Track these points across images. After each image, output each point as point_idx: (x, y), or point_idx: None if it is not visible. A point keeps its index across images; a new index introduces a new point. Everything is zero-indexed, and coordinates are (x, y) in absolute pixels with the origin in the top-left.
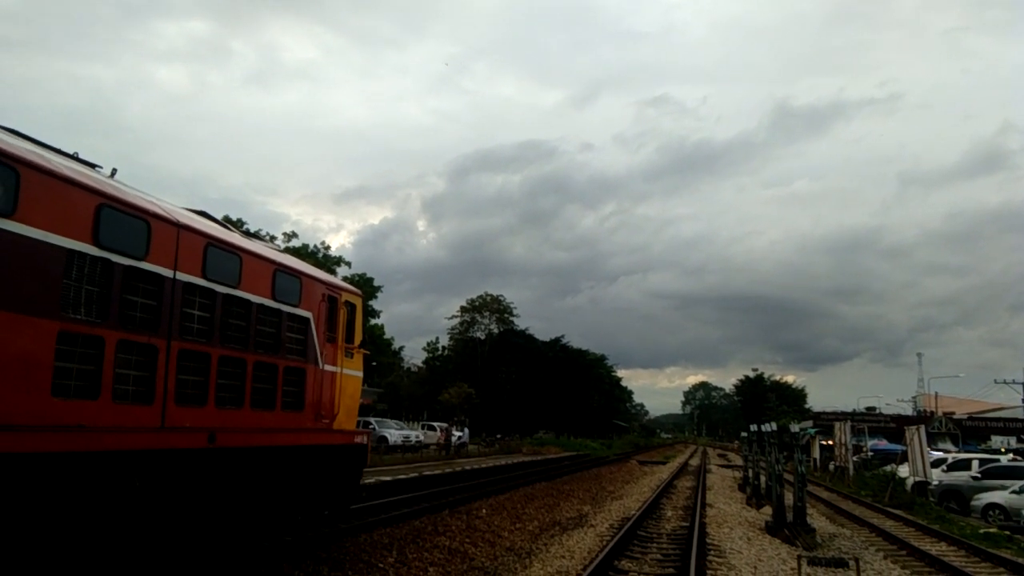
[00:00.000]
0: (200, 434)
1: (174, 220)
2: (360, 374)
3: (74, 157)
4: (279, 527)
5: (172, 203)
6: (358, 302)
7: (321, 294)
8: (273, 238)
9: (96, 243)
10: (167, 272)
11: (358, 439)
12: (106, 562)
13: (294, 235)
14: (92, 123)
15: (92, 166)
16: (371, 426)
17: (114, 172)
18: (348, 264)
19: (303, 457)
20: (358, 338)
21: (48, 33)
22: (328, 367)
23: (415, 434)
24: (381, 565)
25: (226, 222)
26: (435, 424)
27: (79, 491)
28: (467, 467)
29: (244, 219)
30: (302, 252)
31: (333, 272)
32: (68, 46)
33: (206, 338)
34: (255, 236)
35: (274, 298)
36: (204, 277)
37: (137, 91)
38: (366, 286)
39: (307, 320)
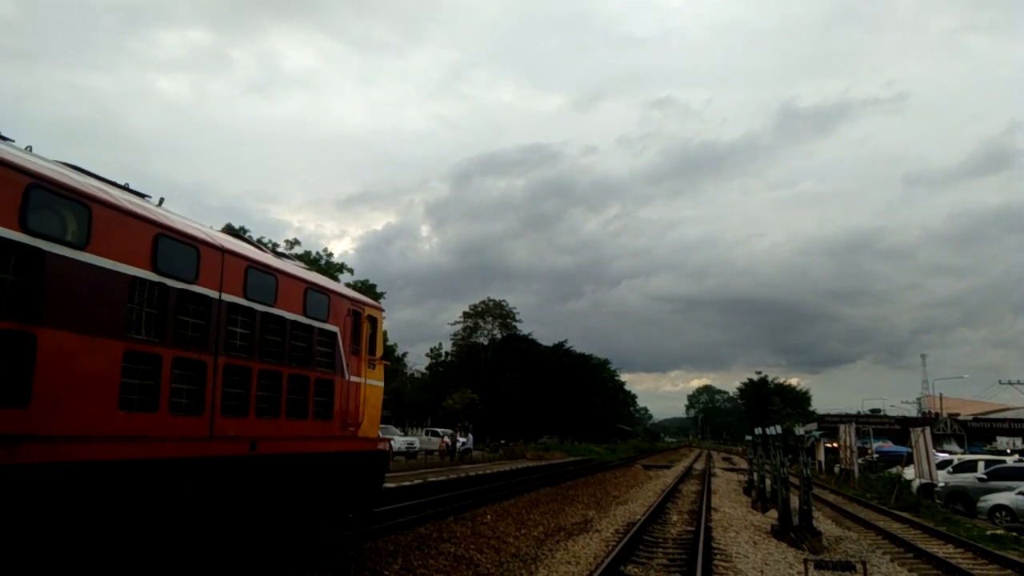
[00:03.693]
0: (243, 442)
1: (219, 245)
2: (381, 384)
3: (125, 188)
4: (289, 533)
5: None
6: (379, 316)
7: (347, 309)
8: (275, 245)
9: (154, 269)
10: (214, 294)
11: (381, 446)
12: (144, 560)
13: (296, 242)
14: (93, 133)
15: (141, 196)
16: None
17: (161, 201)
18: (351, 271)
19: (332, 463)
20: (379, 350)
21: (49, 43)
22: (353, 378)
23: (418, 440)
24: (386, 572)
25: (229, 231)
26: (439, 430)
27: (139, 495)
28: (471, 473)
29: (246, 227)
30: (304, 259)
31: (335, 279)
32: (69, 56)
33: (247, 353)
34: (262, 245)
35: (305, 314)
36: (245, 297)
37: (138, 100)
38: (368, 292)
39: (335, 334)
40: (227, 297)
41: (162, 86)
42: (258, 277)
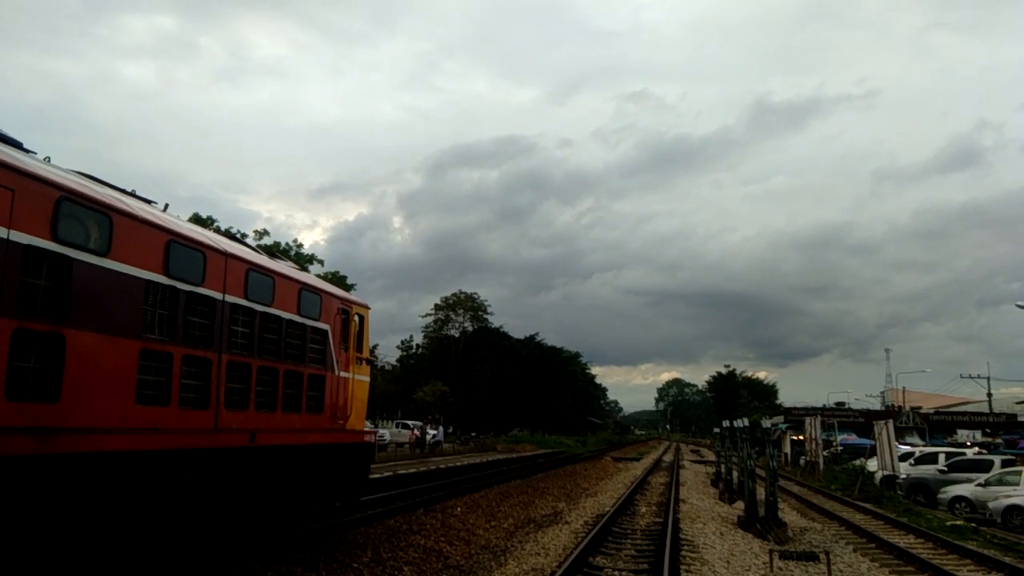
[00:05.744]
0: (243, 434)
1: (223, 250)
2: (368, 379)
3: (132, 194)
4: (260, 526)
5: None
6: (366, 314)
7: (337, 308)
8: (244, 236)
9: (166, 273)
10: (218, 295)
11: (367, 438)
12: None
13: (266, 233)
14: (57, 119)
15: (148, 202)
16: None
17: (166, 207)
18: (320, 262)
19: (322, 454)
20: (366, 346)
21: (12, 26)
22: (342, 373)
23: (388, 433)
24: (355, 565)
25: (195, 220)
26: (409, 422)
27: (151, 483)
28: (442, 465)
29: (214, 217)
30: (273, 250)
31: (306, 270)
32: (33, 40)
33: (247, 351)
34: (229, 235)
35: (299, 314)
36: (246, 298)
37: (103, 87)
38: (339, 284)
39: (326, 332)
40: (230, 298)
41: (128, 72)
42: (257, 279)
